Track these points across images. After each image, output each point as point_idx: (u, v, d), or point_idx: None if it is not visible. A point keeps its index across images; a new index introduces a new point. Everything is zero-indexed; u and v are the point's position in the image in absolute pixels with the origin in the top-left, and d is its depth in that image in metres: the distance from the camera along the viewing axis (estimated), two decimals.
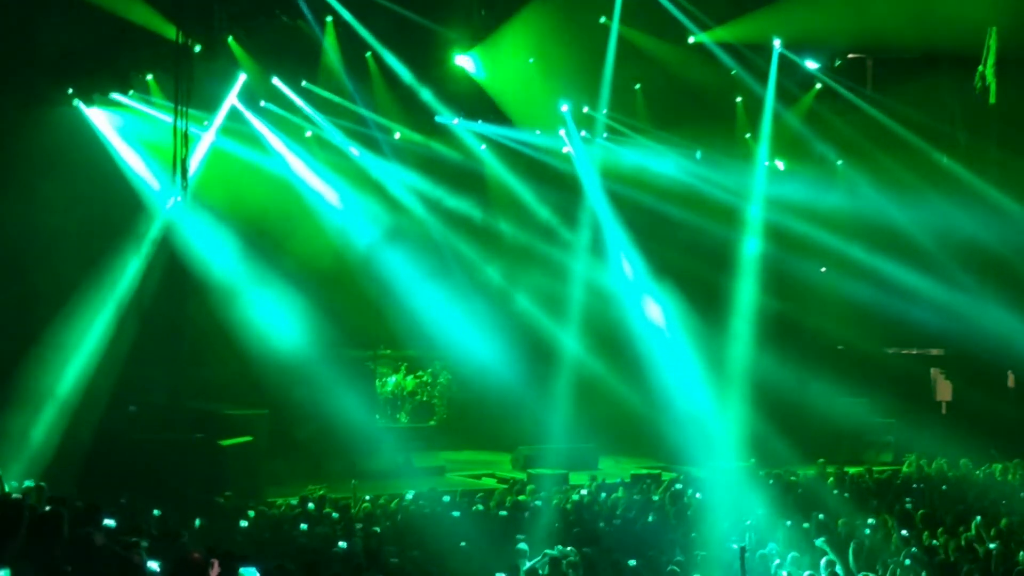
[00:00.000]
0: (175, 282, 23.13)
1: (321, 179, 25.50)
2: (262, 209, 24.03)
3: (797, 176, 27.46)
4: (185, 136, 18.33)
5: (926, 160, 26.34)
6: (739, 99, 26.59)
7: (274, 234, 24.43)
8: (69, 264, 21.56)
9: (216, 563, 8.60)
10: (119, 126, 23.16)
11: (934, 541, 15.25)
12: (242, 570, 9.23)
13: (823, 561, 13.39)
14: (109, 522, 11.66)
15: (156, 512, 14.34)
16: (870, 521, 15.95)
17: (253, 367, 22.90)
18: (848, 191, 27.38)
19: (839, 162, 27.50)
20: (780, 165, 28.03)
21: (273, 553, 12.07)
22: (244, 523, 14.90)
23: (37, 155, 21.46)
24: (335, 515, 16.07)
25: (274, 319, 23.33)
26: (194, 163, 21.54)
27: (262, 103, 24.00)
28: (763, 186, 27.30)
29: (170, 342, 23.22)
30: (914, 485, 20.66)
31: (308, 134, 25.24)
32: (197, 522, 14.41)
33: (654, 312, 27.49)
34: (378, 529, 15.11)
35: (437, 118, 25.45)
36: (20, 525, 6.81)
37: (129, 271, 22.57)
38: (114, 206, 22.56)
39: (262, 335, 22.91)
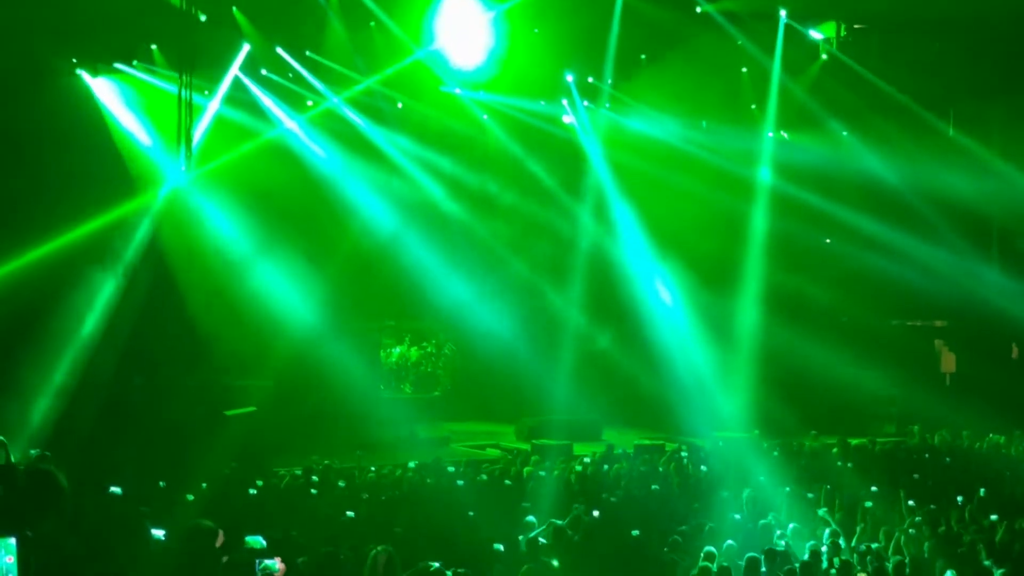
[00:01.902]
0: (179, 251, 23.09)
1: (324, 148, 25.41)
2: (267, 179, 23.93)
3: (803, 147, 27.34)
4: (189, 105, 18.32)
5: (931, 130, 26.24)
6: (744, 69, 26.43)
7: (279, 204, 24.31)
8: (72, 235, 21.51)
9: (221, 533, 8.63)
10: (123, 96, 23.08)
11: (932, 507, 15.27)
12: (248, 539, 9.28)
13: (826, 532, 13.41)
14: (115, 489, 11.73)
15: (161, 483, 14.41)
16: (874, 491, 15.97)
17: (258, 338, 22.92)
18: (854, 161, 27.26)
19: (844, 132, 27.36)
20: (785, 135, 27.92)
21: (279, 522, 12.09)
22: (253, 491, 14.95)
23: (40, 125, 21.38)
24: (341, 484, 16.13)
25: (279, 290, 23.33)
26: (198, 133, 21.53)
27: (263, 71, 23.92)
28: (769, 157, 27.24)
29: (174, 313, 23.18)
30: (917, 456, 20.70)
31: (309, 103, 25.15)
32: (203, 485, 14.47)
33: (659, 283, 27.46)
34: (383, 499, 15.17)
35: (441, 88, 25.37)
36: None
37: (133, 241, 22.57)
38: (117, 176, 22.50)
39: (267, 306, 22.91)
